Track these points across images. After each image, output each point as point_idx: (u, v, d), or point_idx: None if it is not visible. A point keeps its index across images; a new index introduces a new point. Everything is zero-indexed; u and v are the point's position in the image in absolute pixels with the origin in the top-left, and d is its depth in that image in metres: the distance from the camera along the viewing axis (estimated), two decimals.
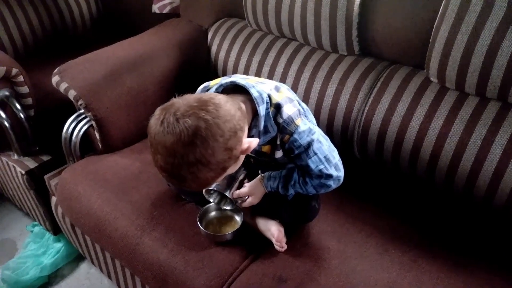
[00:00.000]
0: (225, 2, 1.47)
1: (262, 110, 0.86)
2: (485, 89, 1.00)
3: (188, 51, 1.45)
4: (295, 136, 0.88)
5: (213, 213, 1.06)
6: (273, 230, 0.97)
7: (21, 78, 1.37)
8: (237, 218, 1.04)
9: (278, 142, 0.91)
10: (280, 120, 0.89)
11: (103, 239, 1.12)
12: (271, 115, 0.88)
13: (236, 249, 0.99)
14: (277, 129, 0.90)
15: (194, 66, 1.47)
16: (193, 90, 1.44)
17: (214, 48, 1.45)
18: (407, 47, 1.14)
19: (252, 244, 1.01)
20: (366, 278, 0.92)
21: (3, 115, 1.37)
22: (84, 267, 1.50)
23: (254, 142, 0.82)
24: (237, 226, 1.00)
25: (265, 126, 0.88)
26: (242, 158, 0.85)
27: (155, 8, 1.73)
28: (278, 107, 0.89)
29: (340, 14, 1.14)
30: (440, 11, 1.01)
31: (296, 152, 0.90)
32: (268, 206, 1.00)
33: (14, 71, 1.34)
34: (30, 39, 1.75)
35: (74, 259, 1.52)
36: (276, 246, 0.97)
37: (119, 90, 1.27)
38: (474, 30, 0.96)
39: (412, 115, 1.08)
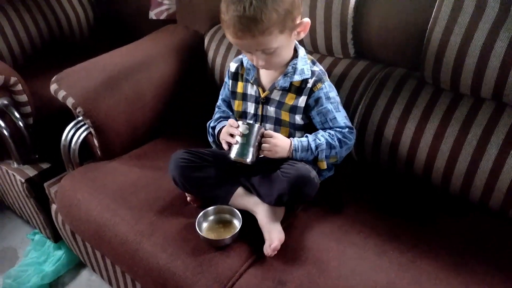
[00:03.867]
0: None
1: (301, 52, 1.05)
2: (479, 90, 1.01)
3: (185, 57, 1.46)
4: (326, 84, 1.04)
5: (211, 218, 1.06)
6: (273, 237, 0.96)
7: (19, 87, 1.38)
8: (236, 222, 1.04)
9: (310, 85, 1.03)
10: (316, 69, 1.05)
11: (103, 245, 1.12)
12: (308, 63, 1.05)
13: (235, 253, 0.99)
14: (311, 75, 1.03)
15: (191, 72, 1.47)
16: (190, 96, 1.46)
17: (211, 54, 1.46)
18: (401, 50, 1.15)
19: (251, 247, 1.01)
20: (366, 279, 0.92)
21: (2, 124, 1.37)
22: (85, 274, 1.50)
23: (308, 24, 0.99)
24: (236, 230, 1.00)
25: (302, 69, 1.03)
26: (293, 38, 0.99)
27: (152, 14, 1.74)
28: (313, 62, 1.08)
29: (335, 18, 1.15)
30: (433, 13, 1.02)
31: (324, 104, 1.03)
32: (266, 190, 1.00)
33: (13, 79, 1.35)
34: (28, 48, 1.76)
35: (75, 266, 1.52)
36: (265, 249, 0.96)
37: (117, 97, 1.28)
38: (467, 32, 0.97)
39: (407, 116, 1.08)
